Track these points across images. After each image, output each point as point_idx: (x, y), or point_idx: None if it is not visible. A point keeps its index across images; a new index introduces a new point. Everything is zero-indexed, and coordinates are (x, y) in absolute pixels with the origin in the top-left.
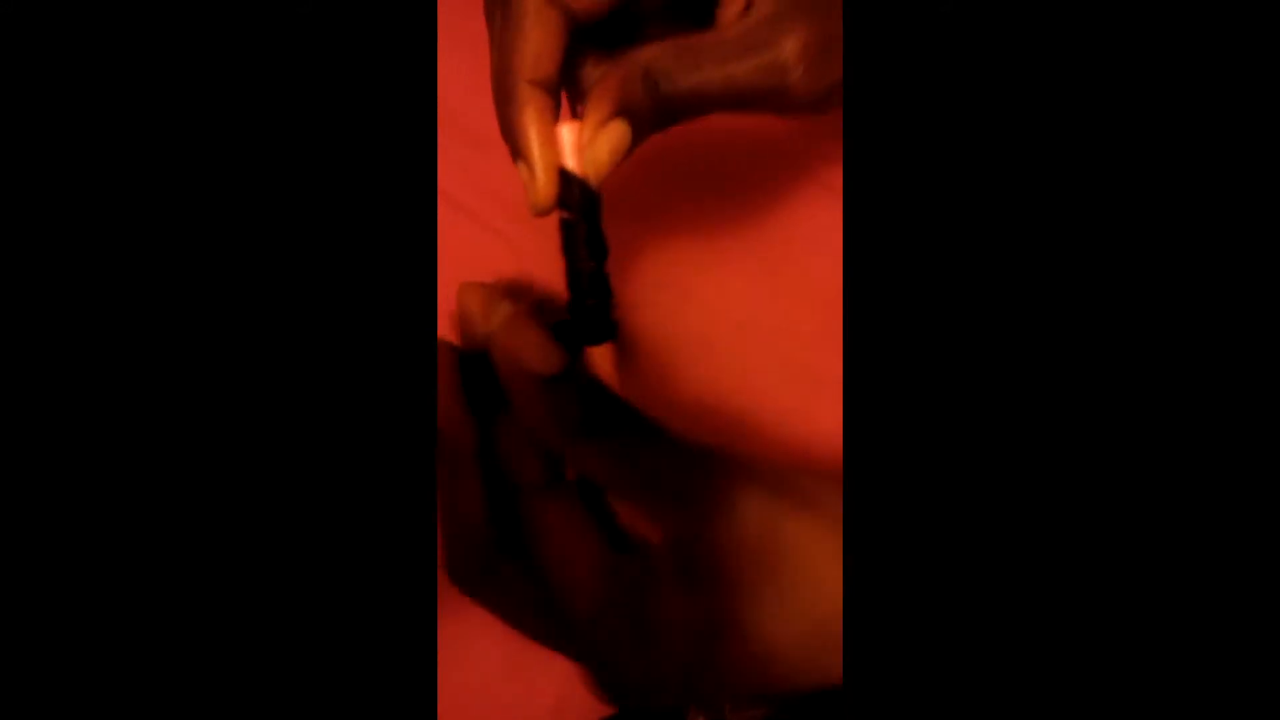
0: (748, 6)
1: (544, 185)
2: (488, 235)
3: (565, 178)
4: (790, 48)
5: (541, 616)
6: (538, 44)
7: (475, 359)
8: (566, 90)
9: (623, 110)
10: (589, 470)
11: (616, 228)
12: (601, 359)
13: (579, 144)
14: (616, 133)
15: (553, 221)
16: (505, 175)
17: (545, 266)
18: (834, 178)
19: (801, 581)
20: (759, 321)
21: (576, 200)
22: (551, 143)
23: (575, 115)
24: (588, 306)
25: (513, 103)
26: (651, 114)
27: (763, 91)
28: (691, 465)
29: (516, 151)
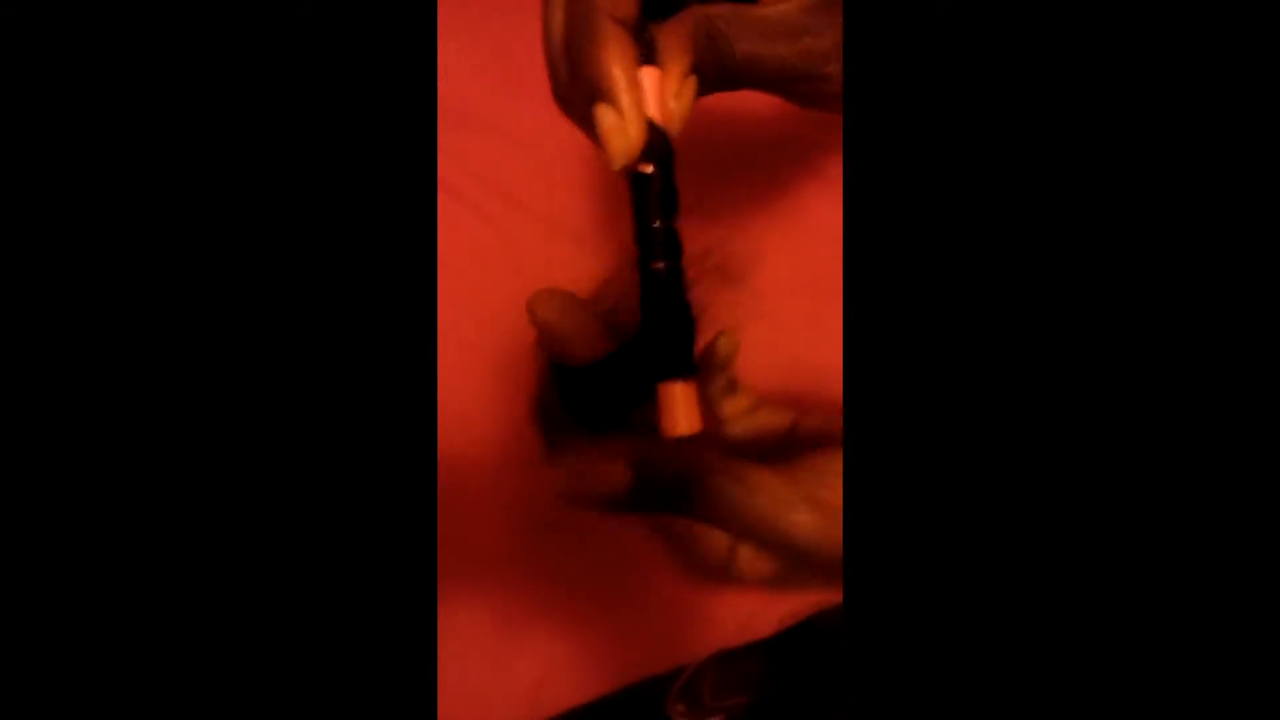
0: None
1: (636, 131)
2: (474, 218)
3: (650, 128)
4: (829, 41)
5: None
6: None
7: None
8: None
9: (696, 64)
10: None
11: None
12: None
13: (663, 92)
14: (694, 84)
15: (536, 208)
16: (491, 158)
17: (528, 250)
18: (830, 168)
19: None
20: (752, 310)
21: (659, 149)
22: (640, 86)
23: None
24: (659, 271)
25: (597, 40)
26: (714, 72)
27: (802, 73)
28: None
29: (601, 94)
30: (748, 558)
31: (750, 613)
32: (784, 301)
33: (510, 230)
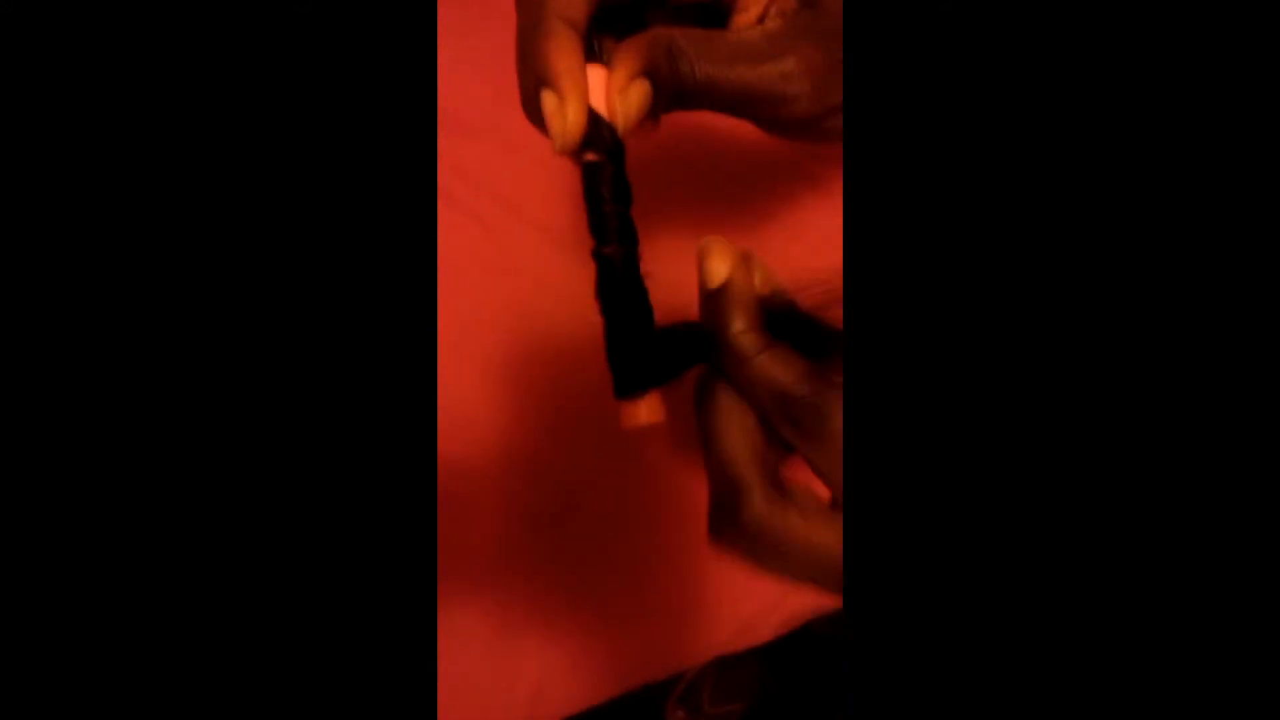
0: (761, 19)
1: (575, 118)
2: (468, 222)
3: (594, 118)
4: (796, 63)
5: None
6: None
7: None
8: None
9: (649, 71)
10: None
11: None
12: None
13: (609, 88)
14: (644, 88)
15: (532, 214)
16: (485, 163)
17: (522, 254)
18: (820, 173)
19: None
20: None
21: (605, 141)
22: (583, 77)
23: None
24: (610, 256)
25: (542, 33)
26: (670, 86)
27: (765, 97)
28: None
29: (545, 80)
30: None
31: (749, 618)
32: None
33: (504, 235)
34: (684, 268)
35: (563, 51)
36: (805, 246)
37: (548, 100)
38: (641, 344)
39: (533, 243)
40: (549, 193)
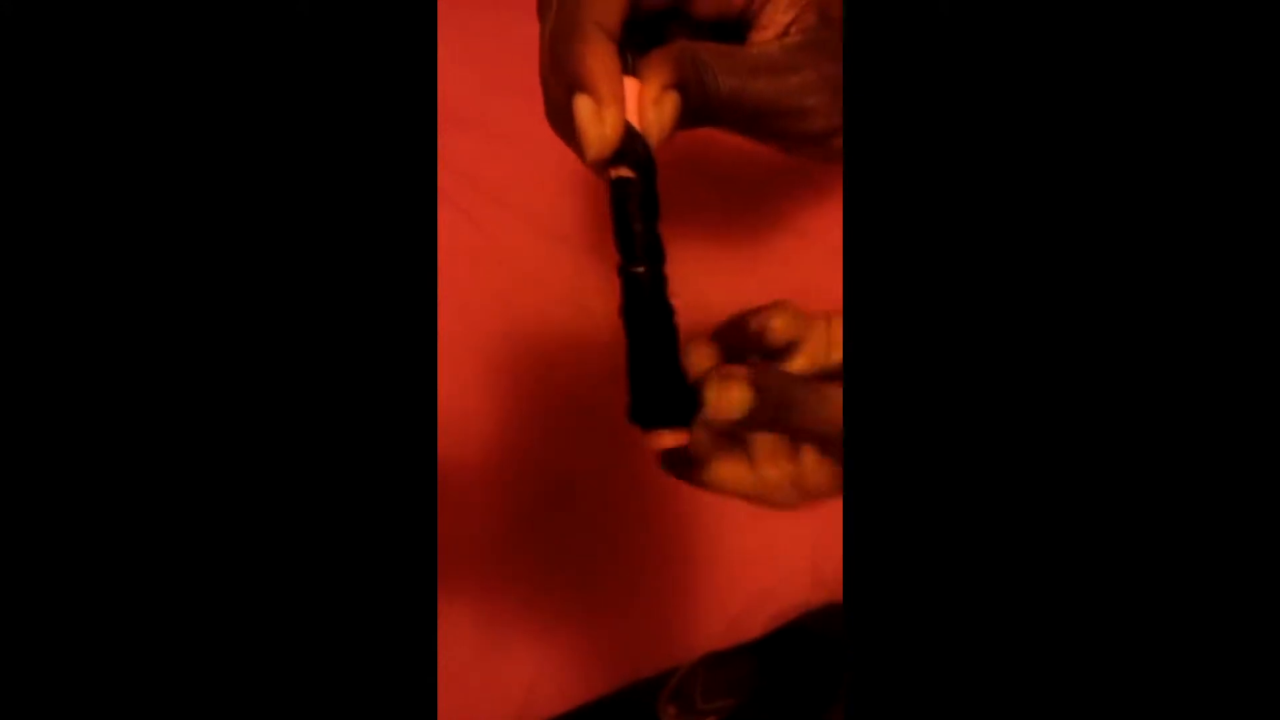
0: (782, 35)
1: (613, 125)
2: (460, 217)
3: (628, 130)
4: (813, 77)
5: None
6: (607, 0)
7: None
8: None
9: (680, 83)
10: None
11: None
12: None
13: (644, 99)
14: (676, 100)
15: (520, 207)
16: (477, 158)
17: (514, 249)
18: (820, 176)
19: None
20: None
21: (637, 156)
22: (620, 83)
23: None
24: (639, 275)
25: (579, 38)
26: (698, 99)
27: (786, 109)
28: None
29: (582, 85)
30: (811, 466)
31: (739, 614)
32: None
33: (496, 229)
34: (692, 270)
35: (601, 57)
36: (814, 255)
37: (583, 107)
38: (666, 368)
39: (521, 236)
40: (541, 188)
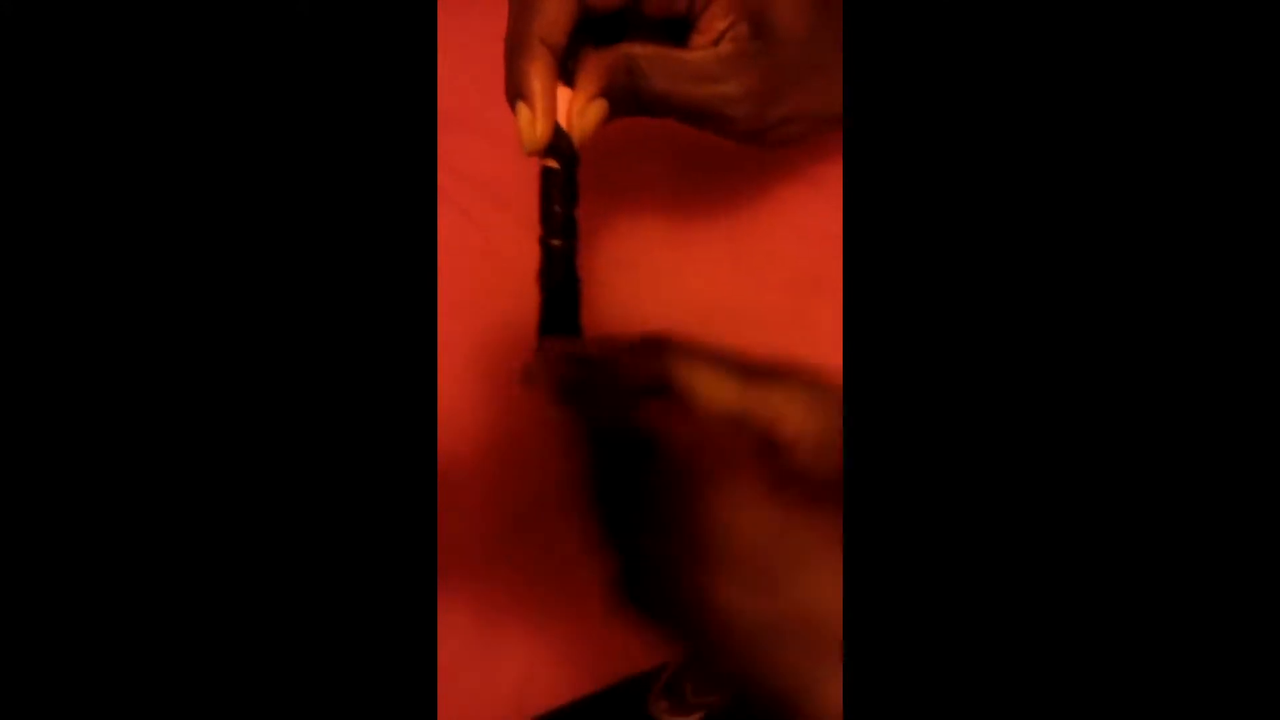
0: (717, 40)
1: (543, 127)
2: (456, 216)
3: (557, 130)
4: (736, 87)
5: None
6: (554, 13)
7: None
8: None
9: (607, 91)
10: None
11: (590, 204)
12: None
13: (571, 108)
14: (600, 107)
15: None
16: (472, 156)
17: (508, 247)
18: (809, 167)
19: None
20: (727, 304)
21: (562, 152)
22: (554, 94)
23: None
24: (554, 247)
25: (525, 54)
26: (627, 101)
27: (709, 113)
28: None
29: (522, 95)
30: None
31: None
32: (765, 298)
33: (491, 228)
34: (656, 246)
35: (539, 73)
36: (776, 229)
37: (523, 113)
38: (568, 317)
39: (521, 236)
40: (537, 186)
